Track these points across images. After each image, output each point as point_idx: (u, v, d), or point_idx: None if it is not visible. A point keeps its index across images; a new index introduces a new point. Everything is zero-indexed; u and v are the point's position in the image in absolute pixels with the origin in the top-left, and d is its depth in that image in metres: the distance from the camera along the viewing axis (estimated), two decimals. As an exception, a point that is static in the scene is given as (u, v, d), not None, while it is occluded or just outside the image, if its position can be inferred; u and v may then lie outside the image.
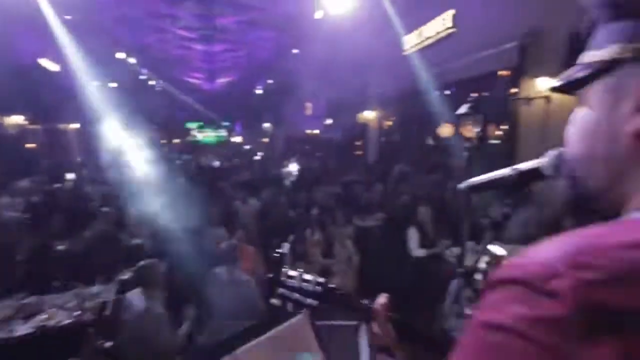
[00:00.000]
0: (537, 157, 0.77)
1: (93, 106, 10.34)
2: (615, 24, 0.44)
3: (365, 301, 0.88)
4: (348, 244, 4.27)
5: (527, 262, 0.36)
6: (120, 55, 14.83)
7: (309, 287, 0.92)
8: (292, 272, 0.94)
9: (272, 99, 17.97)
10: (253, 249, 3.84)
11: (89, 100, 10.39)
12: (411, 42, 8.89)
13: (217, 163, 12.58)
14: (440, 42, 7.86)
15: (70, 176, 8.07)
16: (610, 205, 0.45)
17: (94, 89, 10.85)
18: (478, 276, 1.02)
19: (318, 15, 8.64)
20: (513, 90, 6.06)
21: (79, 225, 4.28)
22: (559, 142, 0.57)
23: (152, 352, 2.45)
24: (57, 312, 2.93)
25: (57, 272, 3.42)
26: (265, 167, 10.73)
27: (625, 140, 0.42)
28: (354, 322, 0.91)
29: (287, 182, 8.15)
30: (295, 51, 11.78)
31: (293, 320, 1.47)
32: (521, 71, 5.68)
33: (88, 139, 11.03)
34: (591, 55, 0.46)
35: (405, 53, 9.07)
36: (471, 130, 3.52)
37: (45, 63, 11.58)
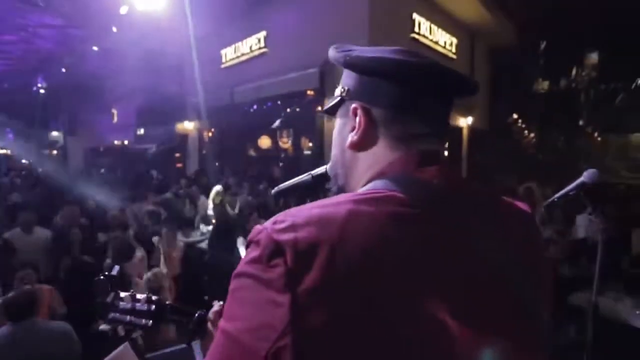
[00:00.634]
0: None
1: None
2: (345, 70, 0.65)
3: (201, 311, 0.87)
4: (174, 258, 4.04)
5: (259, 228, 0.50)
6: None
7: (143, 306, 0.88)
8: (122, 294, 0.90)
9: (64, 101, 14.67)
10: (48, 288, 3.11)
11: None
12: (228, 55, 9.11)
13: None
14: (254, 60, 8.38)
15: None
16: None
17: None
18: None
19: (123, 10, 7.66)
20: (318, 108, 7.11)
21: None
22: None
23: None
24: None
25: None
26: (57, 187, 8.65)
27: (348, 152, 0.63)
28: (184, 345, 0.92)
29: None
30: (95, 48, 10.08)
31: (116, 353, 1.35)
32: (322, 93, 6.74)
33: None
34: (338, 90, 0.66)
35: (223, 66, 9.21)
36: (286, 142, 3.97)
37: None
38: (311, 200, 0.94)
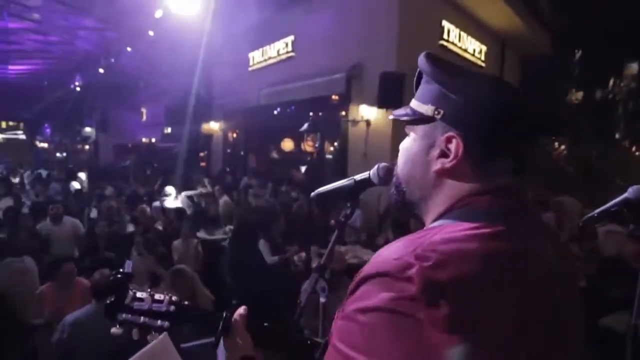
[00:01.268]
0: (362, 169, 0.97)
1: None
2: (431, 85, 0.63)
3: (224, 313, 0.85)
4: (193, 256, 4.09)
5: (385, 260, 0.51)
6: None
7: (161, 307, 0.84)
8: (140, 294, 0.85)
9: (98, 99, 15.29)
10: (85, 282, 3.21)
11: None
12: (256, 58, 9.26)
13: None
14: (281, 63, 8.48)
15: None
16: (418, 212, 0.68)
17: None
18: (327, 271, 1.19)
19: (158, 14, 7.97)
20: (342, 113, 7.12)
21: None
22: (376, 157, 0.80)
23: None
24: None
25: None
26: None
27: (432, 174, 0.62)
28: (210, 339, 0.90)
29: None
30: (129, 49, 10.47)
31: (154, 344, 1.32)
32: (348, 98, 6.74)
33: None
34: (417, 105, 0.64)
35: (250, 69, 9.37)
36: (312, 146, 3.99)
37: None
38: (351, 206, 0.96)
